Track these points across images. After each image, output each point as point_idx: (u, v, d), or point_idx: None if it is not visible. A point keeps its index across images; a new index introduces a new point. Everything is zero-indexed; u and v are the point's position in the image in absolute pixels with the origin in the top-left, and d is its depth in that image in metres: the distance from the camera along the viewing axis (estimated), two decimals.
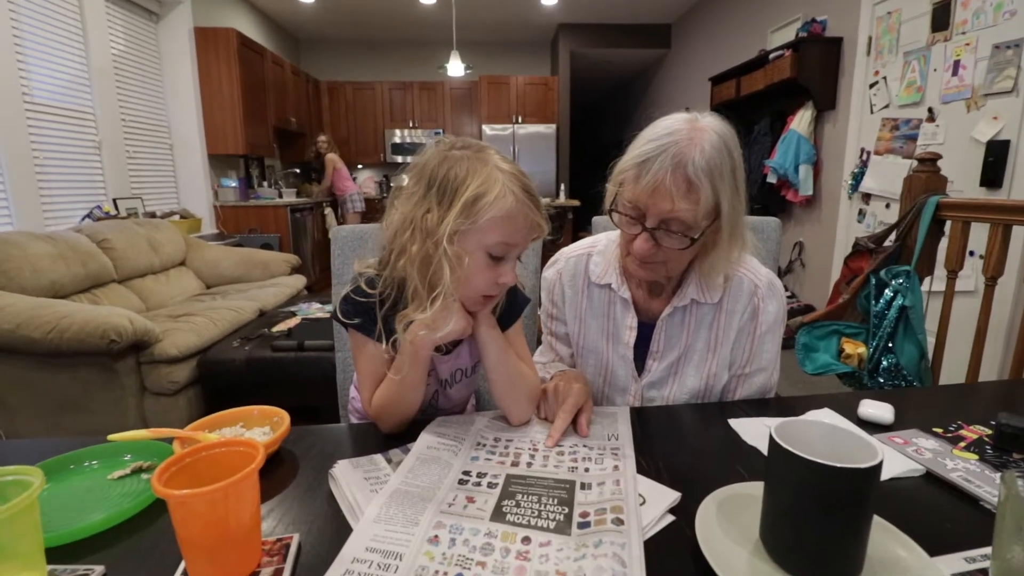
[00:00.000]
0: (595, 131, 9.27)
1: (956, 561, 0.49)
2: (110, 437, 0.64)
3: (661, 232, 0.77)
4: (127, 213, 3.28)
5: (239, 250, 3.51)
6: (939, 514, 0.57)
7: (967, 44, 2.41)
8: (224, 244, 3.67)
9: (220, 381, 2.14)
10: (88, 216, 3.01)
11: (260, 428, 0.72)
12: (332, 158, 5.23)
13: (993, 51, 2.27)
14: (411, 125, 6.47)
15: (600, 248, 0.96)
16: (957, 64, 2.46)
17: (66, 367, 1.90)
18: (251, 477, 0.46)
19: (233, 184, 4.41)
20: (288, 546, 0.50)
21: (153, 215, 3.50)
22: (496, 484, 0.61)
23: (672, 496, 0.58)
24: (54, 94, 2.92)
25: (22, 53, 2.68)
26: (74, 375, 1.92)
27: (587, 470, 0.64)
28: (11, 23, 2.60)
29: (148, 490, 0.60)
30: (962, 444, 0.70)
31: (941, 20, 2.54)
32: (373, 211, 5.45)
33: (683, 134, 0.74)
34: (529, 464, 0.66)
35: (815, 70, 3.27)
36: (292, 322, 2.42)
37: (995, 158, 2.26)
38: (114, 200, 3.26)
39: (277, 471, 0.65)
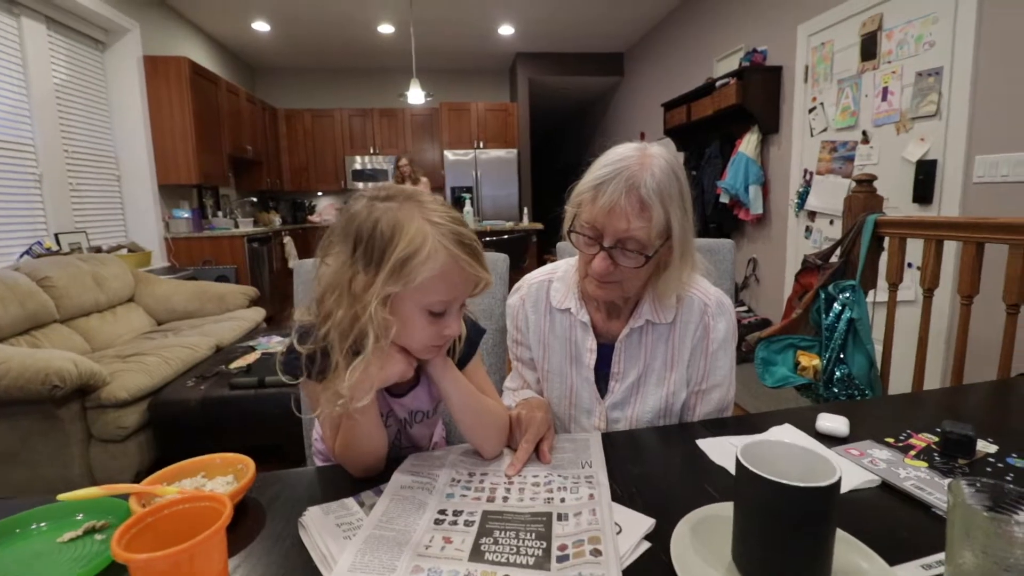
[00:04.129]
0: (556, 155, 9.47)
1: (914, 569, 0.51)
2: (60, 497, 0.60)
3: (618, 251, 0.81)
4: (70, 248, 3.12)
5: (192, 283, 3.38)
6: (896, 523, 0.60)
7: (893, 72, 2.61)
8: (176, 278, 3.53)
9: (174, 424, 2.04)
10: (27, 253, 2.86)
11: (223, 477, 0.69)
12: (425, 182, 4.97)
13: (916, 78, 2.47)
14: (372, 151, 6.45)
15: (560, 274, 0.99)
16: (886, 91, 2.65)
17: (2, 417, 1.78)
18: (218, 534, 0.44)
19: (186, 215, 4.26)
20: None
21: (99, 250, 3.34)
22: (473, 522, 0.60)
23: (647, 523, 0.58)
24: None
25: None
26: (12, 425, 1.79)
27: (563, 500, 0.64)
28: None
29: (103, 552, 0.57)
30: (912, 452, 0.74)
31: (869, 50, 2.75)
32: None
33: (634, 160, 0.80)
34: (505, 498, 0.65)
35: (758, 96, 3.46)
36: (251, 357, 2.33)
37: (924, 176, 2.43)
38: (56, 235, 3.11)
39: (243, 522, 0.62)
